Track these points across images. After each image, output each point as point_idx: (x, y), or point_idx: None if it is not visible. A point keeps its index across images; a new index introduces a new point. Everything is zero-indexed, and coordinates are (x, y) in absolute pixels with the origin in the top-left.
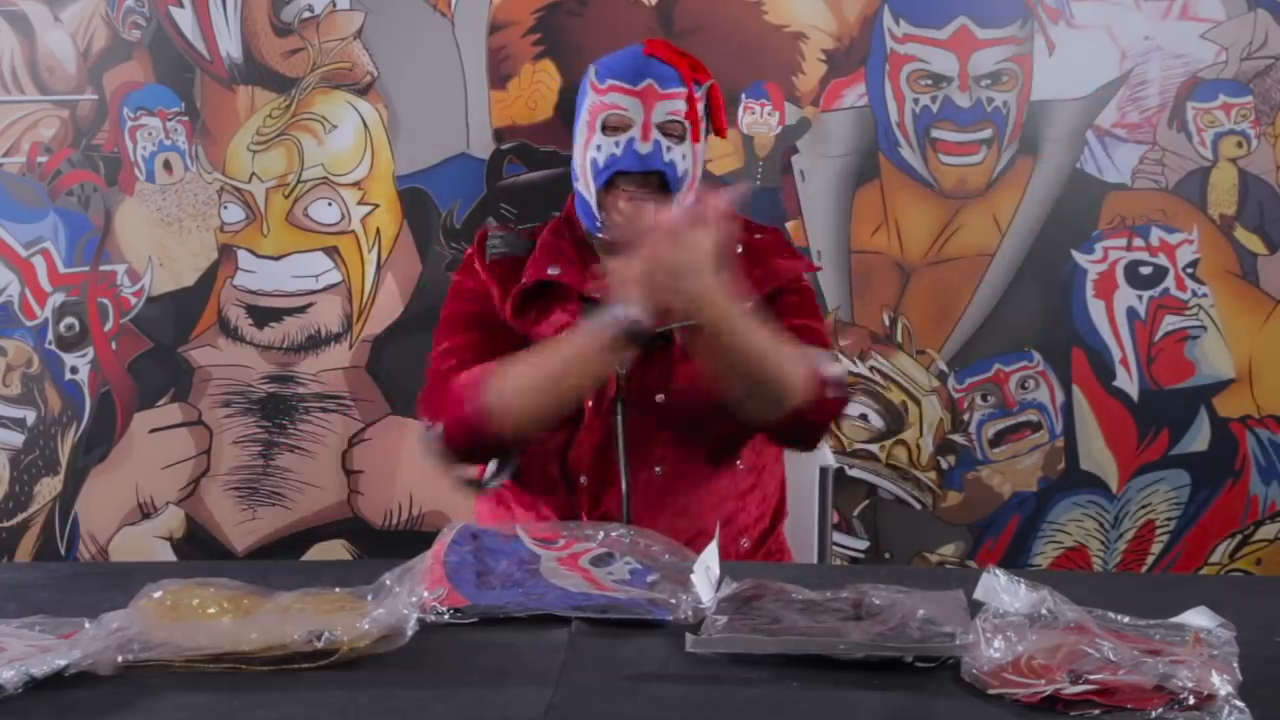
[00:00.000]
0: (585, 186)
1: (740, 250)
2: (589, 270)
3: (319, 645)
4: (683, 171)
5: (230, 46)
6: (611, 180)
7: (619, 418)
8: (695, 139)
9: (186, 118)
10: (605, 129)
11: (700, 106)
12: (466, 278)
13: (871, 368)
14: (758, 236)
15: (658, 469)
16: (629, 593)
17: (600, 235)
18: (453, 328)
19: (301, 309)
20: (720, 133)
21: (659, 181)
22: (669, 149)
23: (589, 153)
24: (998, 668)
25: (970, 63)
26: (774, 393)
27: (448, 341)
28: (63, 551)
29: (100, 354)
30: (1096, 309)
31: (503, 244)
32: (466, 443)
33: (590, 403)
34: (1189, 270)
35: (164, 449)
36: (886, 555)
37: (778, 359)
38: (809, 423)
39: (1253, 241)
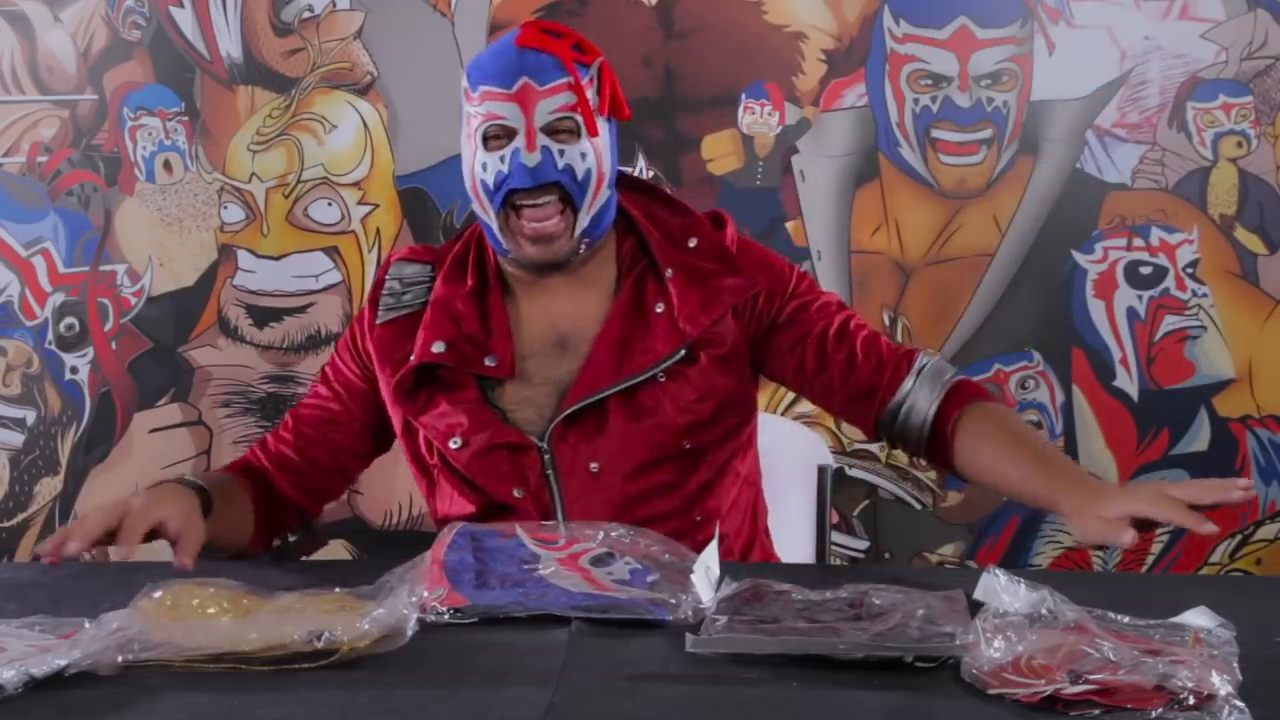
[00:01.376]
0: (483, 210)
1: (670, 275)
2: (490, 328)
3: (319, 645)
4: (584, 174)
5: (230, 46)
6: (508, 198)
7: (555, 493)
8: (592, 132)
9: (186, 118)
10: (487, 141)
11: (590, 92)
12: (360, 335)
13: None
14: (692, 244)
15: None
16: (629, 593)
17: (510, 258)
18: (326, 379)
19: (301, 309)
20: (620, 114)
21: (559, 192)
22: (562, 152)
23: (476, 172)
24: (998, 668)
25: (970, 63)
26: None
27: (312, 392)
28: None
29: (100, 354)
30: (1096, 309)
31: (393, 301)
32: None
33: (514, 490)
34: (1189, 270)
35: (164, 449)
36: (886, 555)
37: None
38: None
39: (1253, 241)
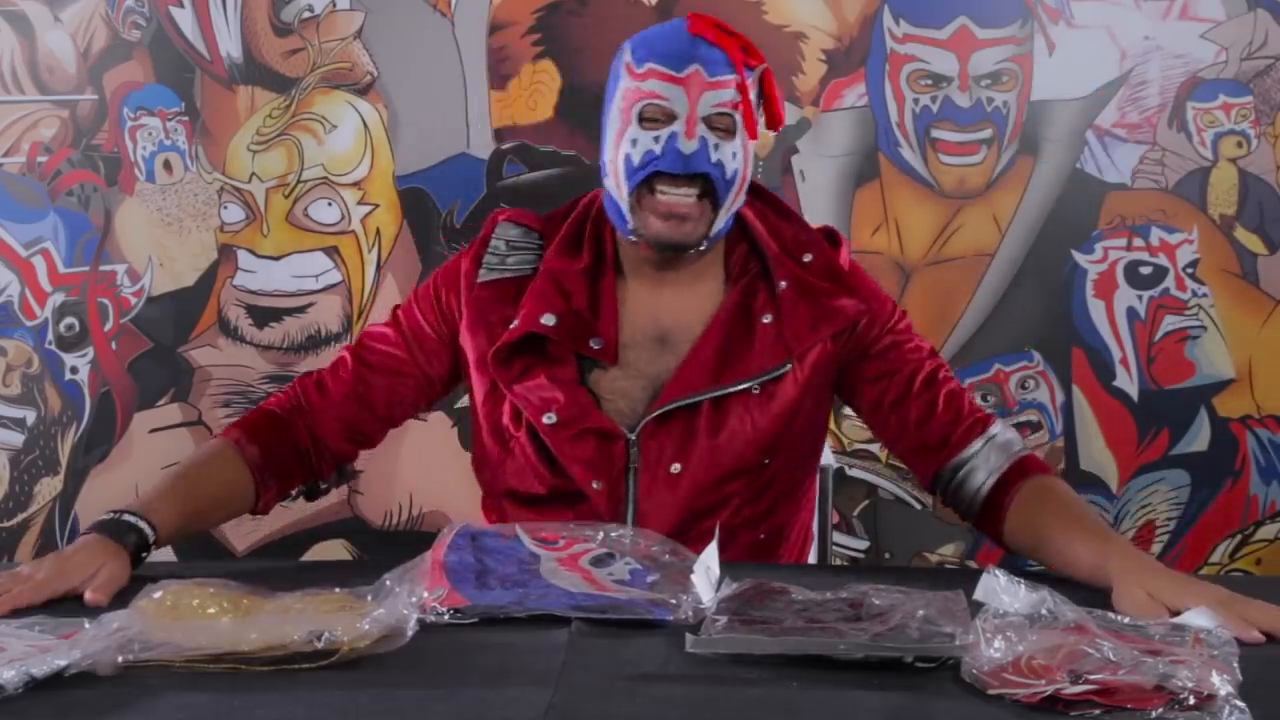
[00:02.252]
0: (616, 185)
1: (784, 287)
2: (598, 310)
3: (319, 645)
4: (731, 173)
5: (230, 46)
6: (648, 180)
7: (630, 488)
8: (751, 135)
9: (186, 118)
10: (643, 121)
11: (753, 95)
12: (445, 287)
13: None
14: (806, 260)
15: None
16: (629, 593)
17: (632, 238)
18: (397, 321)
19: (301, 309)
20: (775, 124)
21: (704, 185)
22: (717, 147)
23: (623, 147)
24: (998, 668)
25: (970, 63)
26: None
27: (380, 329)
28: None
29: (100, 354)
30: (1096, 309)
31: (498, 262)
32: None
33: (593, 481)
34: (1189, 270)
35: (164, 449)
36: (886, 555)
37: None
38: None
39: (1253, 241)
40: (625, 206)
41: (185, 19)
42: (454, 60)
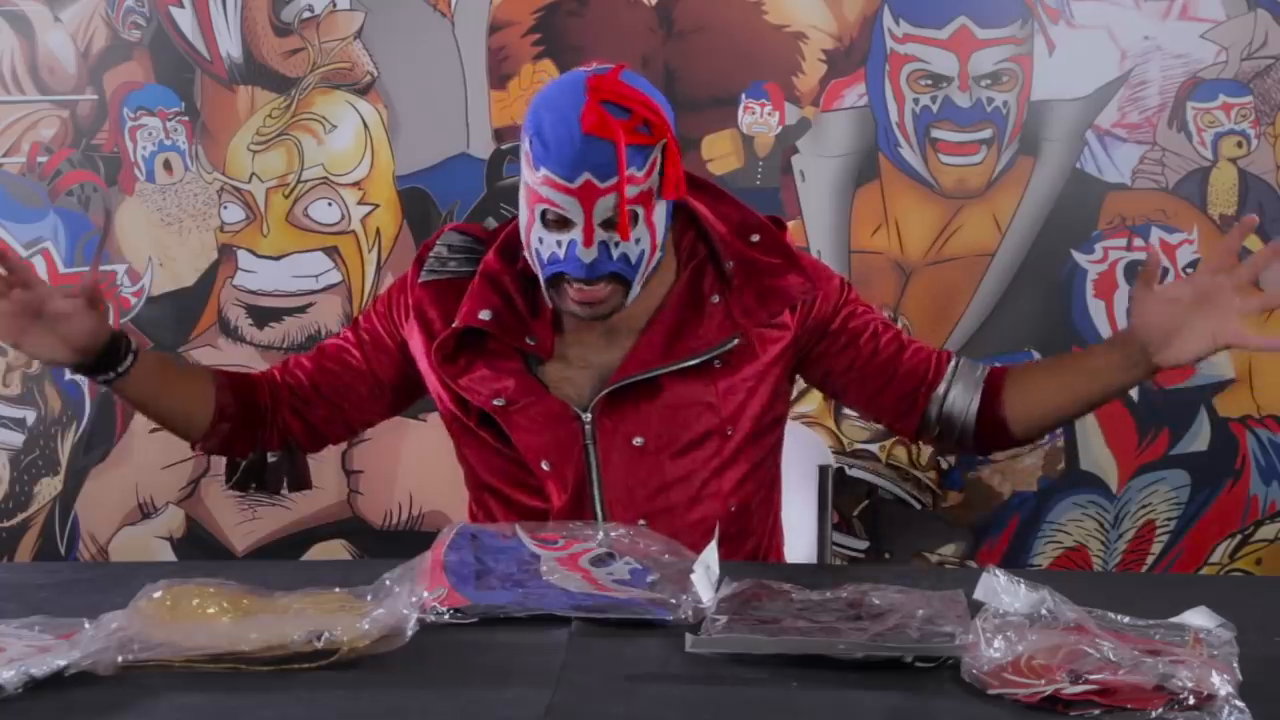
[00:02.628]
0: (532, 263)
1: (731, 267)
2: (537, 310)
3: (319, 645)
4: (637, 257)
5: (230, 46)
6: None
7: (592, 466)
8: (649, 221)
9: (186, 118)
10: (545, 222)
11: (650, 180)
12: (396, 294)
13: None
14: (754, 240)
15: (641, 521)
16: (629, 593)
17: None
18: (355, 326)
19: (301, 309)
20: (668, 193)
21: (610, 277)
22: (617, 244)
23: (531, 238)
24: (998, 668)
25: (970, 63)
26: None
27: (338, 337)
28: (63, 551)
29: None
30: (1096, 309)
31: (438, 265)
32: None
33: (542, 461)
34: (1189, 270)
35: (164, 449)
36: (886, 555)
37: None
38: None
39: (1252, 242)
40: (542, 283)
41: (185, 19)
42: (454, 60)
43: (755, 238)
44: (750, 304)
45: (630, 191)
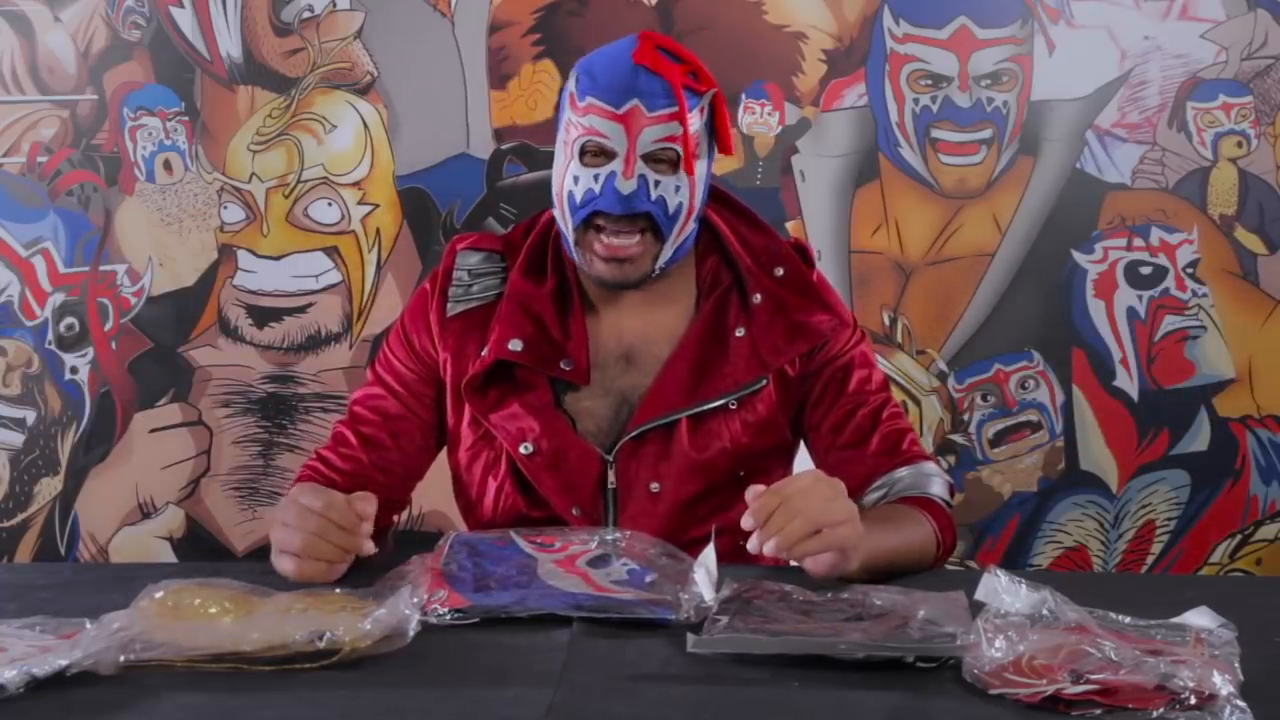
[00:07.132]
0: (562, 218)
1: (759, 301)
2: (568, 331)
3: (320, 645)
4: (674, 207)
5: (230, 46)
6: (590, 217)
7: (609, 509)
8: (689, 170)
9: (186, 118)
10: (584, 156)
11: (699, 125)
12: (414, 330)
13: None
14: (779, 274)
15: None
16: (629, 593)
17: (582, 271)
18: (379, 377)
19: (301, 309)
20: (724, 149)
21: (645, 221)
22: (657, 184)
23: (565, 182)
24: (999, 668)
25: (970, 63)
26: (912, 570)
27: (364, 391)
28: (63, 551)
29: (100, 354)
30: (1096, 309)
31: (463, 294)
32: None
33: (573, 508)
34: (1189, 270)
35: (164, 449)
36: None
37: (908, 549)
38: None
39: (1253, 241)
40: (571, 241)
41: (185, 19)
42: (454, 60)
43: (779, 271)
44: (779, 342)
45: (674, 129)
